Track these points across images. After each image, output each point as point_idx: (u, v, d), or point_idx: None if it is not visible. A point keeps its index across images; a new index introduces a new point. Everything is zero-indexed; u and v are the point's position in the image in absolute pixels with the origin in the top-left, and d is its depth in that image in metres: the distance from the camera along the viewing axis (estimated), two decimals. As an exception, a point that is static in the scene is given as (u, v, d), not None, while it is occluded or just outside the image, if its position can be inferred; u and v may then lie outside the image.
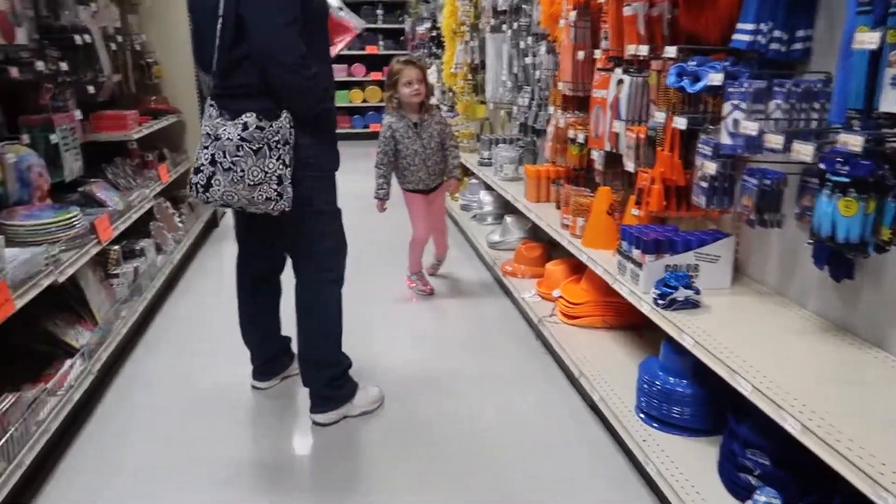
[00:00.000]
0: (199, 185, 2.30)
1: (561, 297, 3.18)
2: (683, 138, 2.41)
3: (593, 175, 3.24)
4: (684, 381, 2.22)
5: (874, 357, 1.81)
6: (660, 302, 2.20)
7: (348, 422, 2.61)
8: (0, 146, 2.73)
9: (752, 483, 1.84)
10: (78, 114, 3.49)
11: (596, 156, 3.07)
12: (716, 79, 1.98)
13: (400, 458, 2.39)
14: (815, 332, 1.97)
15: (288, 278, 2.68)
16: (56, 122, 3.24)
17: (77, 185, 3.36)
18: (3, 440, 1.98)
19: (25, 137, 2.93)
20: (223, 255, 4.72)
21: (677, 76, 2.15)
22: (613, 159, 2.98)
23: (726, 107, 1.94)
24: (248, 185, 2.25)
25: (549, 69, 3.63)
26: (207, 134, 2.29)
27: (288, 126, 2.29)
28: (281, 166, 2.27)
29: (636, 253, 2.38)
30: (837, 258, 1.80)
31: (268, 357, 2.82)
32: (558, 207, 3.48)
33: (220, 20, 2.22)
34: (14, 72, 2.81)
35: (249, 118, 2.23)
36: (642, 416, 2.32)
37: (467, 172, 5.56)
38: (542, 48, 3.71)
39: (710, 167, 2.11)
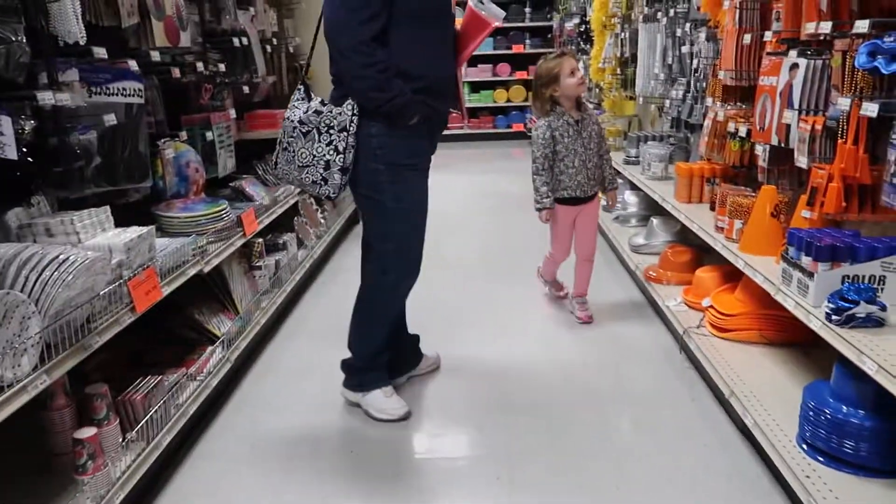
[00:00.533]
0: (273, 161, 2.42)
1: (711, 306, 2.87)
2: (871, 129, 2.06)
3: (755, 173, 2.90)
4: (862, 412, 1.88)
5: None
6: (834, 318, 1.88)
7: (480, 431, 2.51)
8: (161, 142, 2.91)
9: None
10: (233, 113, 3.68)
11: (760, 151, 2.74)
12: (919, 53, 1.65)
13: (528, 478, 2.24)
14: None
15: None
16: (213, 121, 3.43)
17: (230, 179, 3.54)
18: (144, 421, 2.08)
19: (184, 134, 3.11)
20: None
21: (869, 55, 1.83)
22: (780, 155, 2.64)
23: (931, 86, 1.60)
24: (298, 166, 2.33)
25: (709, 57, 3.30)
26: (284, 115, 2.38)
27: (350, 114, 2.28)
28: (331, 152, 2.30)
29: (806, 260, 2.06)
30: None
31: (392, 353, 2.78)
32: (712, 209, 3.15)
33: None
34: (176, 72, 2.99)
35: (315, 102, 2.31)
36: (805, 447, 2.01)
37: (612, 172, 5.28)
38: (702, 35, 3.39)
39: (907, 160, 1.77)
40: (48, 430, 2.03)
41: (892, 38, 1.81)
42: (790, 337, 2.62)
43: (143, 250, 2.22)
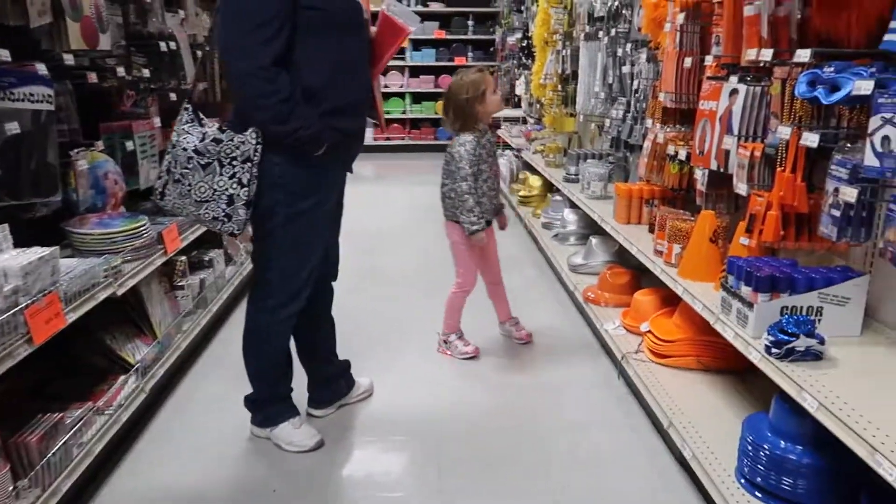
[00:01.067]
0: (157, 191, 2.22)
1: (650, 331, 2.84)
2: (808, 157, 2.05)
3: (693, 196, 2.89)
4: (800, 448, 1.85)
5: None
6: (774, 351, 1.85)
7: (409, 455, 2.38)
8: (74, 153, 2.69)
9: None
10: (158, 121, 3.46)
11: (699, 175, 2.73)
12: (863, 87, 1.63)
13: (454, 498, 2.14)
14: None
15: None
16: (135, 129, 3.21)
17: (153, 192, 3.31)
18: (38, 467, 1.87)
19: (100, 144, 2.88)
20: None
21: (809, 84, 1.81)
22: (718, 180, 2.63)
23: (874, 121, 1.59)
24: (195, 200, 2.15)
25: (649, 79, 3.30)
26: (171, 140, 2.18)
27: (254, 142, 2.10)
28: (235, 185, 2.12)
29: (746, 290, 2.03)
30: None
31: (319, 381, 2.64)
32: (651, 231, 3.14)
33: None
34: (93, 77, 2.77)
35: (211, 128, 2.11)
36: (743, 481, 1.97)
37: (551, 189, 5.27)
38: (643, 56, 3.39)
39: (849, 193, 1.75)
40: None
41: (831, 69, 1.80)
42: (727, 364, 2.60)
43: (45, 274, 2.01)
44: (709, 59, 2.60)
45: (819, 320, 1.95)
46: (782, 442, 1.88)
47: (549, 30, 5.55)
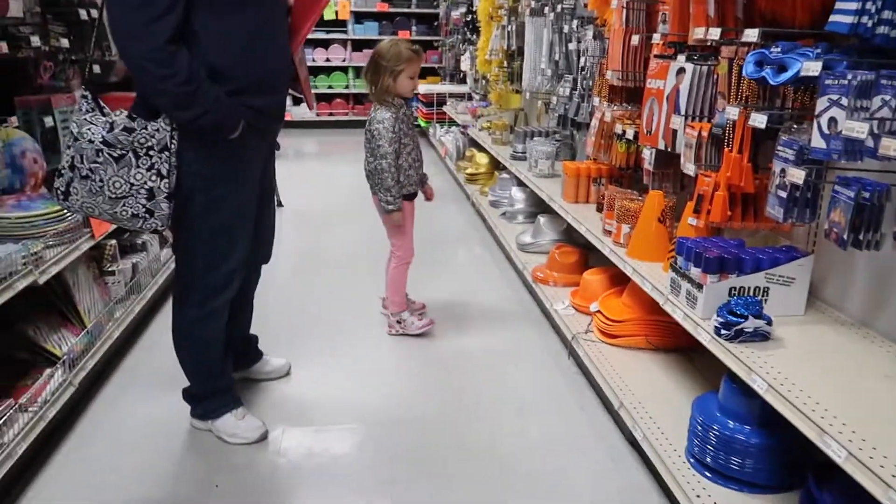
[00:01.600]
0: (58, 191, 2.01)
1: (599, 311, 2.84)
2: (755, 139, 2.05)
3: (640, 175, 2.89)
4: (748, 428, 1.87)
5: None
6: (724, 332, 1.85)
7: (358, 443, 2.32)
8: (-17, 129, 2.48)
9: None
10: (80, 95, 3.23)
11: (646, 154, 2.71)
12: (810, 68, 1.62)
13: (408, 487, 2.08)
14: (921, 380, 1.61)
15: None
16: (54, 104, 3.00)
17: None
18: (-49, 471, 1.72)
19: (15, 120, 2.67)
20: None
21: (756, 65, 1.79)
22: (665, 159, 2.63)
23: (821, 102, 1.58)
24: (110, 197, 1.95)
25: (596, 56, 3.26)
26: (70, 132, 1.97)
27: (168, 129, 1.95)
28: (153, 177, 1.95)
29: (695, 272, 2.02)
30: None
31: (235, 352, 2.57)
32: (599, 210, 3.13)
33: None
34: (3, 47, 2.54)
35: (119, 116, 1.92)
36: (693, 460, 1.98)
37: (498, 166, 5.23)
38: (589, 33, 3.34)
39: (796, 174, 1.75)
40: None
41: (778, 49, 1.78)
42: (676, 342, 2.62)
43: (-48, 264, 1.84)
44: (656, 38, 2.57)
45: (765, 300, 1.96)
46: (731, 422, 1.89)
47: (494, 4, 5.47)
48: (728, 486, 1.88)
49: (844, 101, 1.52)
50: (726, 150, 2.12)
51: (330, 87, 9.84)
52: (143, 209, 1.97)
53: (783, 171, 1.83)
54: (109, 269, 2.94)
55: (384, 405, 2.59)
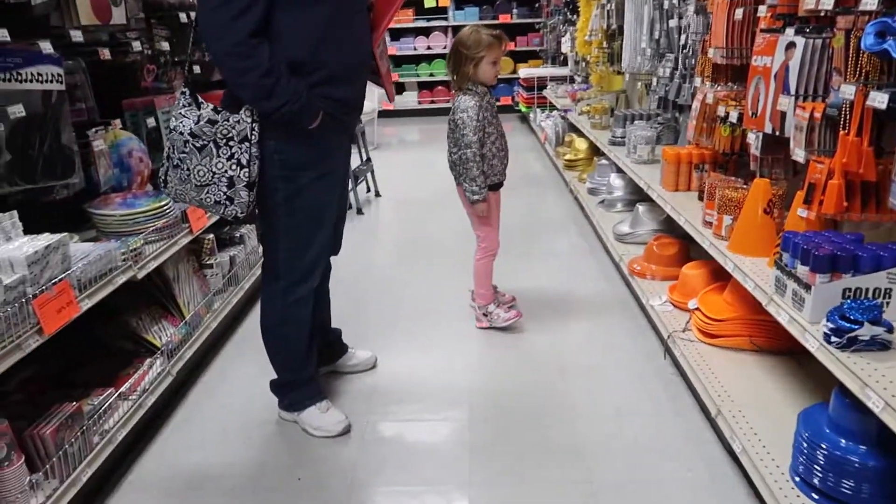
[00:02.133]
0: (161, 178, 2.15)
1: (698, 309, 2.64)
2: (877, 118, 1.81)
3: (747, 160, 2.65)
4: (863, 448, 1.66)
5: None
6: (834, 339, 1.65)
7: (440, 439, 2.28)
8: (92, 132, 2.63)
9: None
10: (180, 92, 3.37)
11: (752, 138, 2.48)
12: (941, 36, 1.39)
13: (488, 488, 2.02)
14: None
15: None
16: (157, 105, 3.14)
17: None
18: (53, 460, 1.84)
19: (117, 122, 2.82)
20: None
21: (878, 36, 1.56)
22: (774, 143, 2.39)
23: (956, 77, 1.35)
24: (195, 185, 2.07)
25: (698, 33, 3.03)
26: (169, 125, 2.12)
27: (249, 120, 2.02)
28: (234, 166, 2.03)
29: (802, 270, 1.82)
30: None
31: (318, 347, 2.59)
32: (701, 198, 2.91)
33: None
34: (105, 53, 2.69)
35: (205, 109, 2.02)
36: (798, 480, 1.79)
37: (598, 152, 5.02)
38: (691, 8, 3.11)
39: (923, 162, 1.52)
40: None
41: (905, 17, 1.55)
42: (783, 345, 2.39)
43: (55, 262, 1.96)
44: (762, 10, 2.34)
45: (887, 304, 1.73)
46: (843, 441, 1.69)
47: (595, -18, 5.24)
48: (839, 511, 1.68)
49: (984, 75, 1.29)
50: (842, 132, 1.89)
51: (431, 74, 9.86)
52: (224, 196, 2.07)
53: (909, 156, 1.59)
54: (208, 263, 3.06)
55: (469, 401, 2.53)
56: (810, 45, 2.05)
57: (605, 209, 4.31)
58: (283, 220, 2.21)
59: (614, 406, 2.47)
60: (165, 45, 3.16)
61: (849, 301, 1.69)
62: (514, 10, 9.64)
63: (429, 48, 9.75)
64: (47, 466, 1.83)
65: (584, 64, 6.10)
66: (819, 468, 1.70)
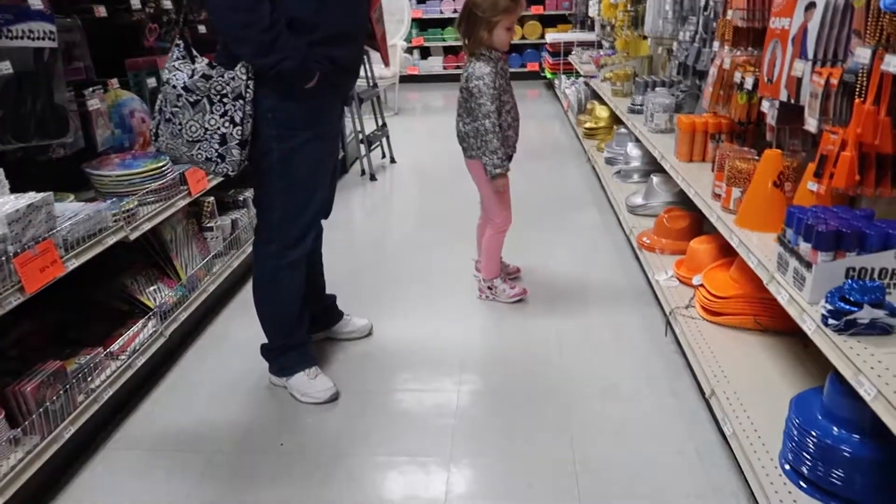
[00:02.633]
0: (152, 132, 2.14)
1: (702, 285, 2.54)
2: None
3: (765, 129, 2.51)
4: (856, 438, 1.57)
5: None
6: (832, 321, 1.55)
7: (427, 412, 2.25)
8: (88, 92, 2.60)
9: None
10: (174, 44, 3.33)
11: (767, 107, 2.35)
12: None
13: (472, 462, 1.99)
14: None
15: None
16: (160, 65, 3.10)
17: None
18: (33, 416, 1.84)
19: (114, 82, 2.79)
20: (342, 203, 4.50)
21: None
22: (791, 112, 2.25)
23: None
24: (187, 140, 2.04)
25: (720, -7, 2.87)
26: (162, 78, 2.10)
27: (244, 78, 1.98)
28: (227, 123, 2.00)
29: (804, 247, 1.71)
30: None
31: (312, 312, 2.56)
32: (714, 170, 2.78)
33: None
34: (100, 10, 2.65)
35: (200, 63, 2.00)
36: (787, 467, 1.71)
37: (618, 120, 4.86)
38: (712, -34, 2.94)
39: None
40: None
41: (928, -28, 1.41)
42: (789, 325, 2.26)
43: (38, 221, 1.94)
44: (783, -34, 2.18)
45: (894, 286, 1.62)
46: (835, 428, 1.60)
47: (622, -59, 5.02)
48: (827, 502, 1.60)
49: None
50: (857, 100, 1.76)
51: (457, 39, 9.67)
52: (216, 153, 2.04)
53: (922, 127, 1.47)
54: (208, 225, 3.05)
55: (462, 373, 2.49)
56: (831, 4, 1.90)
57: (621, 180, 4.18)
58: (278, 182, 2.18)
59: (610, 383, 2.41)
60: (168, 4, 3.11)
61: (849, 281, 1.59)
62: (543, -27, 9.38)
63: (455, 11, 9.53)
64: (27, 423, 1.84)
65: (609, 28, 5.90)
66: (809, 456, 1.62)
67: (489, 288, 3.05)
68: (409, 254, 3.69)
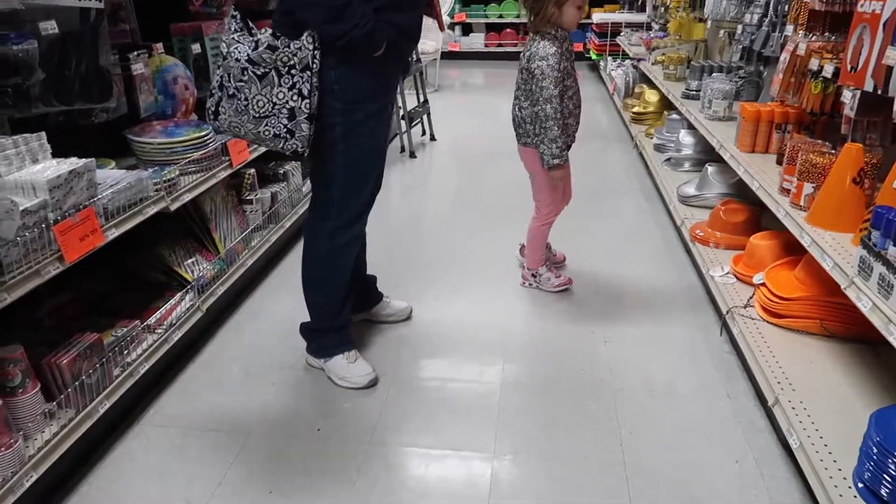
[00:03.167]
0: (209, 111, 2.02)
1: (764, 284, 2.40)
2: None
3: (838, 122, 2.36)
4: (947, 462, 1.45)
5: None
6: (924, 335, 1.42)
7: (465, 403, 2.17)
8: (133, 55, 2.53)
9: None
10: (230, 15, 3.24)
11: (847, 97, 2.19)
12: None
13: (513, 460, 1.90)
14: None
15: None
16: (205, 31, 3.02)
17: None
18: (69, 390, 1.80)
19: (159, 46, 2.71)
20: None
21: None
22: (873, 103, 2.09)
23: None
24: (254, 116, 1.94)
25: (794, -27, 2.69)
26: (220, 52, 1.99)
27: (311, 48, 1.88)
28: (295, 97, 1.91)
29: (893, 251, 1.57)
30: None
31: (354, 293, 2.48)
32: (779, 163, 2.63)
33: None
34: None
35: (264, 35, 1.88)
36: (861, 487, 1.59)
37: (669, 106, 4.68)
38: (788, -56, 2.75)
39: None
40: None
41: None
42: (860, 331, 2.14)
43: (80, 187, 1.88)
44: (879, -56, 2.00)
45: None
46: (921, 450, 1.47)
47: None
48: (907, 528, 1.48)
49: None
50: (960, 93, 1.61)
51: (500, 16, 9.46)
52: (285, 129, 1.96)
53: None
54: (248, 198, 2.98)
55: (504, 363, 2.40)
56: (933, -13, 1.74)
57: (672, 168, 4.02)
58: (341, 158, 2.09)
59: (660, 381, 2.30)
60: (214, -33, 3.02)
61: (948, 292, 1.45)
62: (594, -51, 9.09)
63: (500, -12, 9.33)
64: (62, 396, 1.79)
65: (663, 10, 5.67)
66: (889, 478, 1.50)
67: (533, 276, 2.95)
68: (446, 235, 3.60)
